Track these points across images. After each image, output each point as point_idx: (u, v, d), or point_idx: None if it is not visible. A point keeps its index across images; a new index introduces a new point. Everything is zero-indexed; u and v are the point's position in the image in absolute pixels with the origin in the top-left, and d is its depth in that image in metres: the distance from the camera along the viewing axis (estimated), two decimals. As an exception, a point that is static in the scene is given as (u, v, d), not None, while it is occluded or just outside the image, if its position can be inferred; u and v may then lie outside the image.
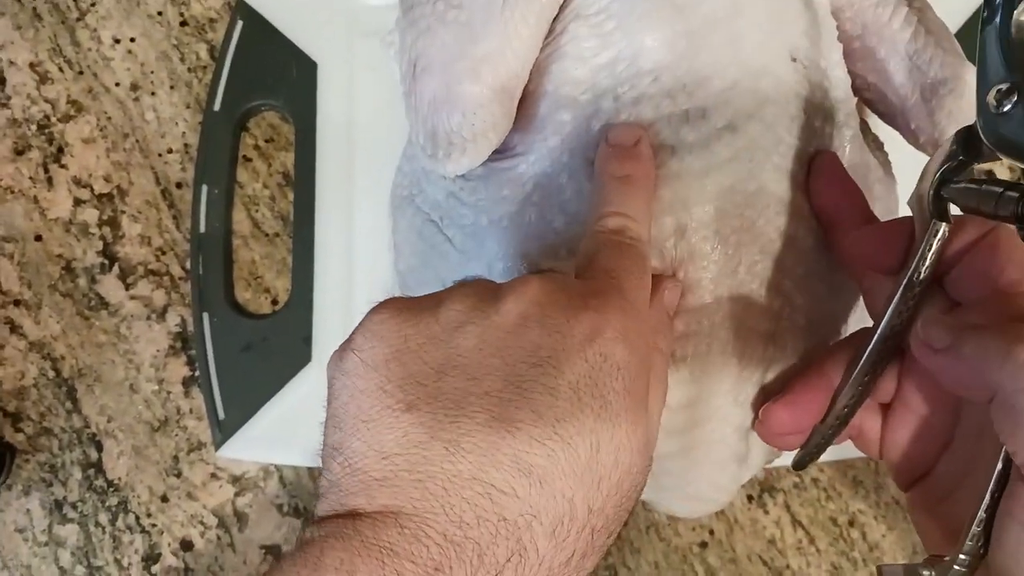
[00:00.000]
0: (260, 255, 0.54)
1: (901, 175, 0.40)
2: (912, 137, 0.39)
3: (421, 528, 0.23)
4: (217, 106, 0.54)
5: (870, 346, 0.31)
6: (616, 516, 0.26)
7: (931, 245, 0.30)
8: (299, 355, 0.51)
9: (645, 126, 0.35)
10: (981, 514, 0.27)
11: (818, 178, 0.35)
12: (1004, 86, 0.26)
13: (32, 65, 0.56)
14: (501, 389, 0.25)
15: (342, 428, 0.26)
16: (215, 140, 0.54)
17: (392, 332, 0.27)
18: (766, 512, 0.52)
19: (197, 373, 0.53)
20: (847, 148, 0.37)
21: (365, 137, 0.53)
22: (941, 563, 0.28)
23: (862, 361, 0.32)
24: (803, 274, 0.36)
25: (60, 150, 0.55)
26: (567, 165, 0.36)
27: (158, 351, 0.53)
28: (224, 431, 0.51)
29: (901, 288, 0.30)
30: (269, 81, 0.54)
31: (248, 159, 0.55)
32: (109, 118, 0.56)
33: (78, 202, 0.55)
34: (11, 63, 0.56)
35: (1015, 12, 0.26)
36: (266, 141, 0.55)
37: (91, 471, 0.52)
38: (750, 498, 0.52)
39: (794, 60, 0.36)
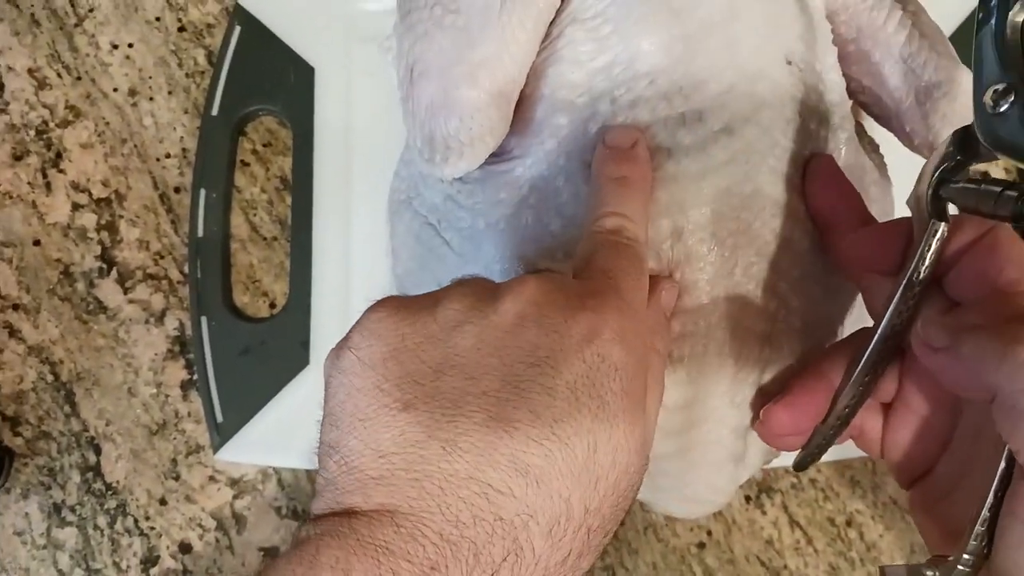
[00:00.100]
0: (258, 259, 0.54)
1: (897, 177, 0.41)
2: (907, 139, 0.39)
3: (417, 527, 0.23)
4: (215, 111, 0.54)
5: (871, 346, 0.31)
6: (613, 516, 0.26)
7: (930, 245, 0.30)
8: (297, 359, 0.51)
9: (642, 129, 0.35)
10: (984, 513, 0.27)
11: (814, 181, 0.35)
12: (1000, 86, 0.26)
13: (30, 71, 0.56)
14: (499, 389, 0.25)
15: (339, 426, 0.26)
16: (213, 145, 0.54)
17: (390, 331, 0.27)
18: (764, 512, 0.52)
19: (195, 377, 0.53)
20: (843, 151, 0.37)
21: (363, 142, 0.53)
22: (944, 563, 0.28)
23: (863, 361, 0.31)
24: (799, 276, 0.36)
25: (58, 155, 0.55)
26: (564, 168, 0.36)
27: (156, 355, 0.53)
28: (222, 434, 0.51)
29: (901, 288, 0.30)
30: (267, 86, 0.54)
31: (246, 164, 0.55)
32: (107, 123, 0.56)
33: (76, 207, 0.55)
34: (9, 69, 0.56)
35: (1010, 13, 0.26)
36: (264, 146, 0.55)
37: (90, 474, 0.52)
38: (748, 499, 0.52)
39: (790, 64, 0.36)
